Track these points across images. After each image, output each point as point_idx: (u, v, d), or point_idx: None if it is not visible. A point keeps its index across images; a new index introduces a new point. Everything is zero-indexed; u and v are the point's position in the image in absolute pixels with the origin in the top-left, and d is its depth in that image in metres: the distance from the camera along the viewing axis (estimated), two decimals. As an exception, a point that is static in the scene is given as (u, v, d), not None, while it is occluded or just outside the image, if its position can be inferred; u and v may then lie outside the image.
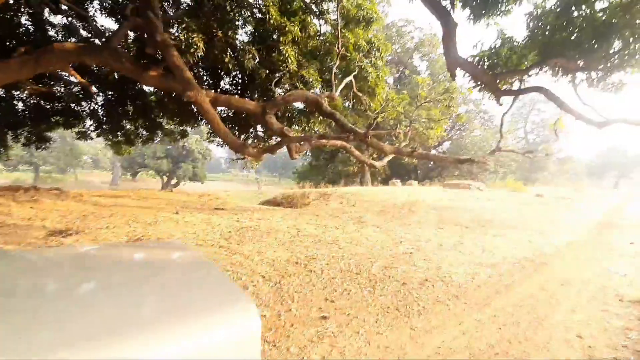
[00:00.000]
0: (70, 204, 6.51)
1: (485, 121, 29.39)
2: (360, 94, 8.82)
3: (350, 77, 8.12)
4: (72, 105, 10.82)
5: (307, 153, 29.98)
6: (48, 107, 10.49)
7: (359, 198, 10.23)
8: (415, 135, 17.07)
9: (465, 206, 9.75)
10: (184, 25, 6.17)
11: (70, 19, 9.17)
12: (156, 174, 47.38)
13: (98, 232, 4.82)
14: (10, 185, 7.67)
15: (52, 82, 9.81)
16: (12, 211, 5.27)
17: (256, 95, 9.46)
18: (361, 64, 8.46)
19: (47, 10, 8.67)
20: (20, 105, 10.52)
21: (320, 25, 8.58)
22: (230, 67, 6.66)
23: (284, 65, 7.04)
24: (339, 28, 7.43)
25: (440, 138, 21.66)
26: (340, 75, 8.66)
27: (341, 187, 16.01)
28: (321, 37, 8.75)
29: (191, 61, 6.58)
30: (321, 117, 8.88)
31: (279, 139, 7.45)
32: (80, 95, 10.56)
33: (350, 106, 9.94)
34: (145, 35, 5.98)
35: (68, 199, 7.03)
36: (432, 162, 35.60)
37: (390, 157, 9.16)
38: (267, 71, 7.75)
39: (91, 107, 11.03)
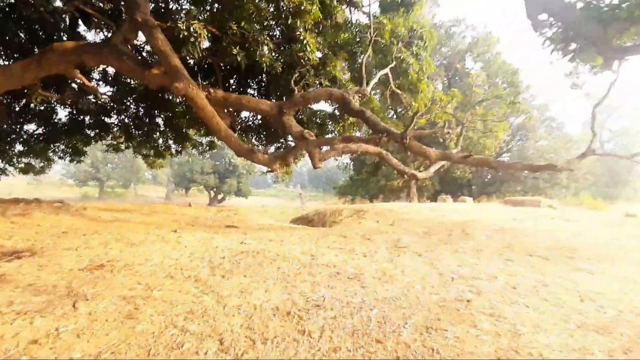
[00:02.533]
0: (63, 218, 5.84)
1: (553, 129, 25.76)
2: (400, 92, 7.38)
3: (386, 70, 6.75)
4: (103, 117, 10.77)
5: (350, 167, 28.62)
6: (81, 119, 10.51)
7: (398, 216, 8.60)
8: (468, 145, 14.94)
9: (537, 228, 7.64)
10: (184, 12, 5.35)
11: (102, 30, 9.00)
12: (204, 189, 49.15)
13: (60, 254, 3.91)
14: (15, 198, 7.35)
15: (83, 94, 9.74)
16: (-16, 226, 4.63)
17: (283, 98, 8.48)
18: (400, 55, 7.05)
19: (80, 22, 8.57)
20: (56, 118, 10.68)
21: (351, 13, 7.38)
22: (240, 59, 5.67)
23: (302, 54, 5.89)
24: (369, 10, 6.17)
25: (498, 146, 19.01)
26: (375, 70, 7.32)
27: (380, 202, 14.24)
28: (353, 28, 7.54)
29: (195, 56, 5.71)
30: (353, 120, 7.56)
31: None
32: (108, 107, 10.45)
33: (389, 108, 8.47)
34: (124, 15, 5.22)
35: (66, 213, 6.43)
36: (489, 175, 32.12)
37: (438, 166, 7.50)
38: (286, 67, 6.69)
39: (121, 120, 10.88)
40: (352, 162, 25.61)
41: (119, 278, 3.35)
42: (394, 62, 6.95)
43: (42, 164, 12.25)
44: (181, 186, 52.10)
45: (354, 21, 7.45)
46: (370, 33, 6.45)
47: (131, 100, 10.57)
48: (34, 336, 2.15)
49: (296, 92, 6.22)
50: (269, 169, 7.72)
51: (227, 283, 3.44)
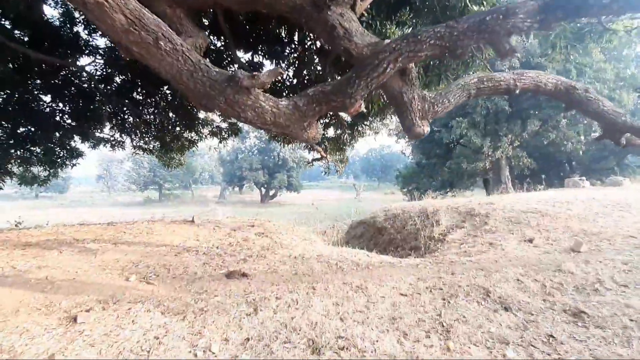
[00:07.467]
0: None
1: None
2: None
3: None
4: (89, 104, 7.95)
5: (413, 149, 23.80)
6: (56, 107, 7.78)
7: (571, 226, 4.32)
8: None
9: None
10: None
11: None
12: (254, 185, 47.50)
13: None
14: None
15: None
16: None
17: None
18: None
19: None
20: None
21: None
22: None
23: None
24: None
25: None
26: None
27: (503, 195, 9.22)
28: None
29: None
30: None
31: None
32: (88, 89, 7.56)
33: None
34: None
35: None
36: (593, 147, 24.54)
37: None
38: None
39: (110, 104, 7.98)
40: (420, 145, 20.87)
41: None
42: None
43: (46, 172, 9.91)
44: (232, 184, 51.30)
45: None
46: None
47: (120, 76, 7.60)
48: None
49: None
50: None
51: None
